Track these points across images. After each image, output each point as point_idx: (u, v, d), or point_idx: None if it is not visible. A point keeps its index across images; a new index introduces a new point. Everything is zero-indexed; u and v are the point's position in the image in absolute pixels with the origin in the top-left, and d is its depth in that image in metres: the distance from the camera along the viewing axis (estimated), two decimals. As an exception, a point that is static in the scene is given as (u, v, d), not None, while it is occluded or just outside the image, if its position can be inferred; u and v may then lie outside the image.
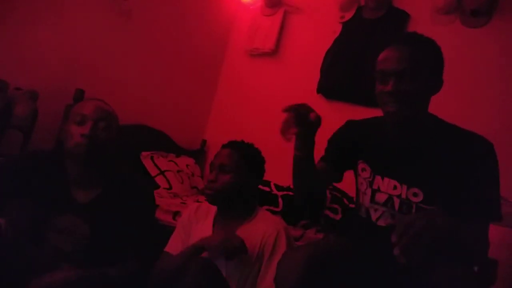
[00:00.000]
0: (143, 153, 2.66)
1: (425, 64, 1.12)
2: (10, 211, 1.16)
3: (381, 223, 1.19)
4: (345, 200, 2.24)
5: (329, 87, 2.82)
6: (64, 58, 2.28)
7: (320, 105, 2.85)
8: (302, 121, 1.07)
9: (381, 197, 1.20)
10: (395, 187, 1.18)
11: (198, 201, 2.26)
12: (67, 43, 2.29)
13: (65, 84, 2.26)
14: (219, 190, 1.44)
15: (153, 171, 2.58)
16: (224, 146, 1.54)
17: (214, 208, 1.54)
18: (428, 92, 1.16)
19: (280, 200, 2.19)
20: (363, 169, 1.26)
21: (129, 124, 2.58)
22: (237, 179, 1.45)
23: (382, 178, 1.20)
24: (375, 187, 1.21)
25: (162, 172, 2.60)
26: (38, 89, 2.07)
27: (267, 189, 2.24)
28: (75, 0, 2.31)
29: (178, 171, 2.71)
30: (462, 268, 0.99)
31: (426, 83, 1.12)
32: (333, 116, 2.79)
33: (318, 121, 1.09)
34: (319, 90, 2.86)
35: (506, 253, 1.59)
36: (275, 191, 2.25)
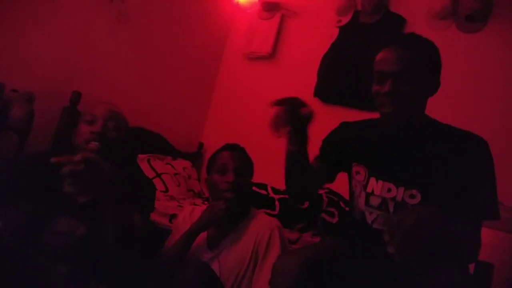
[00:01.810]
0: (140, 156, 2.65)
1: (423, 65, 1.11)
2: (8, 213, 1.16)
3: (376, 226, 1.18)
4: (341, 204, 2.24)
5: (326, 90, 2.83)
6: (61, 60, 2.28)
7: (317, 109, 2.83)
8: (294, 117, 1.08)
9: (375, 201, 1.19)
10: (389, 190, 1.17)
11: (194, 204, 2.26)
12: (64, 45, 2.29)
13: (62, 86, 2.26)
14: (242, 192, 1.46)
15: (149, 174, 2.57)
16: (227, 149, 1.54)
17: None
18: (425, 93, 1.16)
19: (276, 203, 2.19)
20: (357, 172, 1.25)
21: (126, 126, 2.58)
22: (251, 180, 1.52)
23: (377, 181, 1.19)
24: (369, 190, 1.20)
25: (158, 175, 2.59)
26: (34, 91, 2.06)
27: (263, 192, 2.24)
28: (72, 2, 2.31)
29: (175, 174, 2.70)
30: (458, 270, 0.99)
31: (424, 84, 1.12)
32: (330, 120, 2.81)
33: (310, 116, 1.10)
34: (316, 94, 2.87)
35: (501, 257, 1.60)
36: (272, 194, 2.24)
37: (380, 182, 1.18)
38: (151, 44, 2.80)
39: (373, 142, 1.23)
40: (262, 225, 1.44)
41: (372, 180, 1.20)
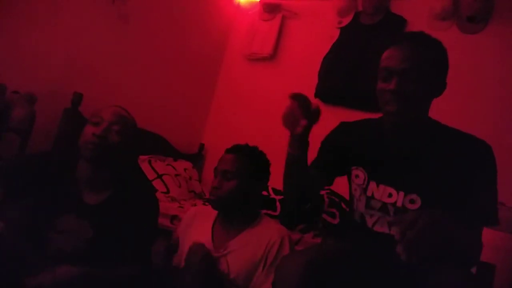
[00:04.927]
0: (141, 157, 2.65)
1: (430, 64, 1.08)
2: (13, 212, 1.16)
3: (378, 229, 1.17)
4: (342, 205, 2.24)
5: (327, 91, 2.83)
6: (63, 61, 2.28)
7: (318, 110, 2.90)
8: (308, 113, 1.06)
9: (375, 204, 1.17)
10: (390, 195, 1.15)
11: (195, 205, 2.27)
12: (66, 46, 2.29)
13: (63, 88, 2.26)
14: (223, 197, 1.44)
15: (150, 175, 2.57)
16: (228, 151, 1.52)
17: (215, 212, 1.54)
18: (431, 93, 1.13)
19: (278, 204, 2.19)
20: (357, 176, 1.22)
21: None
22: (242, 185, 1.45)
23: (377, 185, 1.17)
24: (369, 194, 1.18)
25: (159, 176, 2.59)
26: (36, 92, 2.07)
27: (265, 193, 2.24)
28: (74, 3, 2.31)
29: (176, 175, 2.70)
30: (460, 271, 0.99)
31: (430, 84, 1.09)
32: (331, 120, 2.81)
33: (319, 113, 1.08)
34: (316, 95, 2.87)
35: (503, 258, 1.60)
36: (273, 195, 2.24)
37: (381, 186, 1.16)
38: (152, 45, 2.81)
39: (373, 145, 1.21)
40: (274, 232, 1.44)
41: (372, 184, 1.18)
